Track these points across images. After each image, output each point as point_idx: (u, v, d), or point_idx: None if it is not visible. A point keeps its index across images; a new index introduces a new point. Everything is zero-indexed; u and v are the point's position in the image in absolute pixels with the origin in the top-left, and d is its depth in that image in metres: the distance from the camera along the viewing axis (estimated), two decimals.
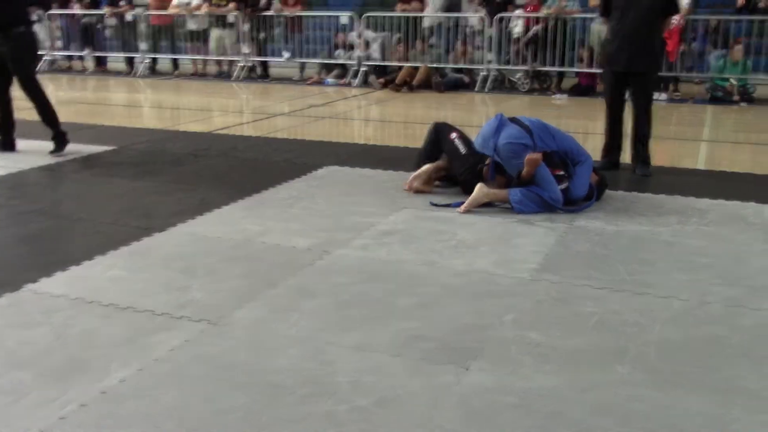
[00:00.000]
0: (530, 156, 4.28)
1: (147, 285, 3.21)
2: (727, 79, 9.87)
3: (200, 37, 12.92)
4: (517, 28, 11.14)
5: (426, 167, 4.79)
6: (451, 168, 4.78)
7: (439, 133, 4.90)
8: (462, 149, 4.69)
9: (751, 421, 2.18)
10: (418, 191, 4.72)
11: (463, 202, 4.35)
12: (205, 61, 13.27)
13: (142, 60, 13.26)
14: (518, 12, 11.18)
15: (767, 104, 9.57)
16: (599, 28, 9.62)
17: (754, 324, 2.84)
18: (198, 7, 12.79)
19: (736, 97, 9.70)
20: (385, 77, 11.28)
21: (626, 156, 5.58)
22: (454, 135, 4.79)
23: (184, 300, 3.03)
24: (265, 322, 2.84)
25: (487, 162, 4.51)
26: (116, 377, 2.41)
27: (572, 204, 4.38)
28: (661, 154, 6.02)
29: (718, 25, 10.70)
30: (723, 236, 3.93)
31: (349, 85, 11.54)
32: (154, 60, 13.56)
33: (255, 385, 2.36)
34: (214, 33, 12.75)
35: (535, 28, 10.95)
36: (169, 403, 2.26)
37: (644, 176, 5.34)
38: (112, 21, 13.44)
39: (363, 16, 11.75)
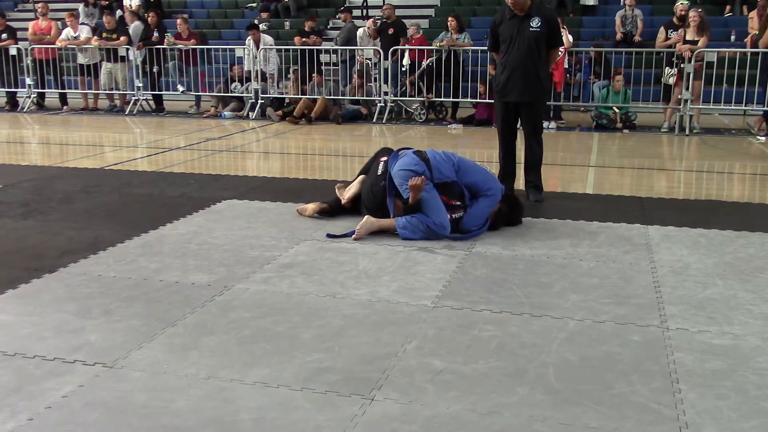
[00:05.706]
0: (412, 181, 4.37)
1: (37, 329, 3.05)
2: (610, 108, 10.41)
3: (91, 71, 12.57)
4: (404, 60, 11.41)
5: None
6: (362, 186, 4.83)
7: (377, 155, 4.91)
8: (380, 170, 4.73)
9: None
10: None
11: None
12: (96, 96, 12.89)
13: (28, 95, 12.75)
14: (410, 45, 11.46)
15: (648, 130, 10.15)
16: None
17: (643, 340, 2.98)
18: (87, 41, 12.45)
19: (619, 125, 10.25)
20: (282, 110, 11.27)
21: (520, 183, 5.77)
22: (384, 158, 4.79)
23: (77, 343, 2.91)
24: (164, 362, 2.75)
25: (381, 183, 4.60)
26: (4, 429, 2.27)
27: (461, 233, 4.47)
28: (552, 180, 6.27)
29: (600, 57, 11.31)
30: (612, 257, 4.11)
31: (246, 117, 11.46)
32: (42, 95, 13.06)
33: (153, 430, 2.28)
34: (105, 67, 12.43)
35: (429, 60, 11.23)
36: None
37: (537, 202, 5.53)
38: None
39: (260, 49, 11.73)
